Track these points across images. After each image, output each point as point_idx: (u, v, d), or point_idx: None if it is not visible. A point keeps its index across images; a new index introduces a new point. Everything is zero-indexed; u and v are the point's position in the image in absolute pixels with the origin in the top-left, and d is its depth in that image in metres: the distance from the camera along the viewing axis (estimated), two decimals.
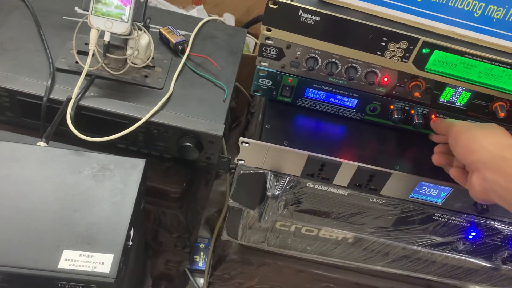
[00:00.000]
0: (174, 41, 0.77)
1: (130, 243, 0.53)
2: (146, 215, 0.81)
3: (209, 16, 1.13)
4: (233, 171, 0.65)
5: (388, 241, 0.66)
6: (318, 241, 0.69)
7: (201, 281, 1.05)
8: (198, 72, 0.75)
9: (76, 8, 0.80)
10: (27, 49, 0.72)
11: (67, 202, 0.52)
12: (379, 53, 0.52)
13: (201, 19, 0.85)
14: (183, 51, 0.77)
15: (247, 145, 0.55)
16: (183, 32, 0.80)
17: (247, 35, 0.91)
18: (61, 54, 0.72)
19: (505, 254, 0.64)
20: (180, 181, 0.76)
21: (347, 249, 0.70)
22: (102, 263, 0.48)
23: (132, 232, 0.53)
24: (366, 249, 0.69)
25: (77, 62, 0.69)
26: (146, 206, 0.78)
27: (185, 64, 0.76)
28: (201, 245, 1.11)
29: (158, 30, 0.78)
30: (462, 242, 0.63)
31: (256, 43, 1.14)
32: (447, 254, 0.66)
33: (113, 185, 0.55)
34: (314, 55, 0.54)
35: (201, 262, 1.10)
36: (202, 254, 1.11)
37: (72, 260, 0.47)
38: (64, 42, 0.74)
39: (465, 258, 0.67)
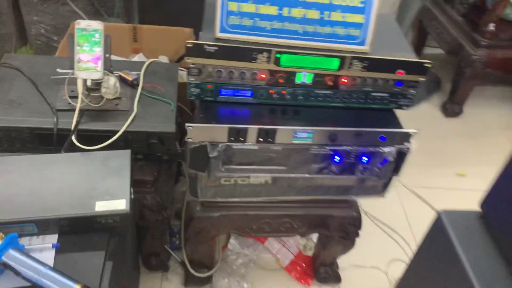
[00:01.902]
0: (131, 79, 1.14)
1: (133, 196, 0.88)
2: (133, 203, 1.15)
3: (147, 59, 1.51)
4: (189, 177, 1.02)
5: (291, 175, 1.05)
6: (251, 186, 1.07)
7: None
8: (151, 96, 1.13)
9: (58, 69, 1.15)
10: (33, 101, 1.06)
11: (91, 179, 0.87)
12: (253, 61, 0.92)
13: (144, 62, 1.22)
14: (137, 84, 1.14)
15: (191, 128, 0.93)
16: (135, 72, 1.17)
17: (179, 68, 1.30)
18: (57, 100, 1.07)
19: (361, 167, 1.05)
20: (152, 172, 1.12)
21: (270, 188, 1.08)
22: (120, 204, 0.83)
23: (132, 191, 0.89)
24: (280, 185, 1.08)
25: (69, 103, 1.05)
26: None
27: (141, 92, 1.13)
28: (175, 229, 1.45)
29: (118, 74, 1.15)
30: (333, 165, 1.04)
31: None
32: (328, 176, 1.06)
33: (114, 166, 0.90)
34: (219, 69, 0.94)
35: (177, 241, 1.44)
36: (177, 236, 1.45)
37: (103, 206, 0.82)
38: (56, 92, 1.09)
39: (340, 177, 1.07)
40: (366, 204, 1.55)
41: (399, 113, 1.07)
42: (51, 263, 0.78)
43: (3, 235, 0.74)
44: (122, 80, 1.15)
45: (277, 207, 1.17)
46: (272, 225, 1.19)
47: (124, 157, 0.93)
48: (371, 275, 1.43)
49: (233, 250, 1.41)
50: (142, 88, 1.14)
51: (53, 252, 0.79)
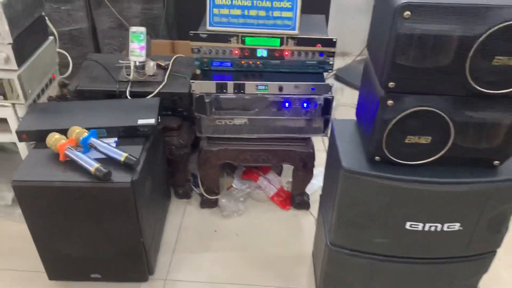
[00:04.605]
0: (163, 64, 1.82)
1: (159, 120, 1.53)
2: (164, 144, 1.80)
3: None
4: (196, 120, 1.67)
5: (259, 117, 1.66)
6: (235, 126, 1.69)
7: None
8: (175, 73, 1.80)
9: (120, 61, 1.85)
10: (104, 77, 1.76)
11: (137, 109, 1.53)
12: (229, 42, 1.57)
13: (172, 56, 1.91)
14: (168, 68, 1.82)
15: (194, 83, 1.58)
16: (167, 62, 1.86)
17: None
18: (119, 76, 1.76)
19: (303, 110, 1.64)
20: (177, 122, 1.78)
21: (248, 127, 1.69)
22: (151, 121, 1.48)
23: (158, 118, 1.54)
24: (254, 126, 1.69)
25: (126, 77, 1.74)
26: (165, 138, 1.78)
27: (169, 72, 1.80)
28: (196, 174, 2.07)
29: (156, 62, 1.83)
30: (285, 109, 1.63)
31: None
32: (283, 117, 1.66)
33: (150, 104, 1.56)
34: (210, 48, 1.59)
35: (197, 181, 2.06)
36: (197, 178, 2.07)
37: (141, 121, 1.48)
38: (118, 72, 1.79)
39: (291, 118, 1.66)
40: None
41: None
42: None
43: (88, 131, 1.42)
44: (158, 66, 1.84)
45: (255, 144, 1.77)
46: (253, 156, 1.78)
47: (155, 101, 1.60)
48: None
49: (235, 188, 2.01)
50: (170, 70, 1.82)
51: (114, 144, 1.45)
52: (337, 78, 2.95)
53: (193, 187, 2.03)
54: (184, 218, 1.91)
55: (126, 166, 1.36)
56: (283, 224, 1.89)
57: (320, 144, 2.24)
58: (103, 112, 1.54)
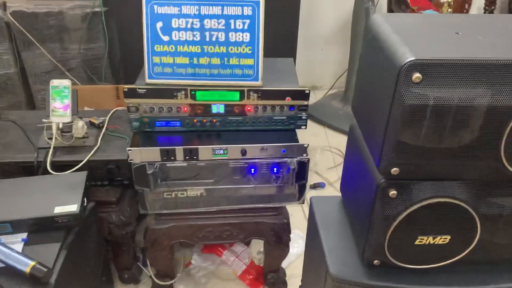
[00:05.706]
0: (97, 122, 1.46)
1: (85, 204, 1.17)
2: (101, 222, 1.43)
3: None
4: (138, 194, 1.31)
5: (218, 186, 1.32)
6: (189, 199, 1.34)
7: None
8: (112, 134, 1.44)
9: (43, 119, 1.49)
10: (21, 143, 1.39)
11: (55, 192, 1.16)
12: (175, 98, 1.23)
13: (110, 110, 1.55)
14: (103, 126, 1.46)
15: (131, 151, 1.23)
16: (102, 118, 1.50)
17: None
18: (39, 141, 1.39)
19: (273, 176, 1.31)
20: (115, 194, 1.41)
21: (205, 199, 1.35)
22: (73, 208, 1.11)
23: (84, 201, 1.17)
24: (213, 197, 1.34)
25: (48, 143, 1.37)
26: (101, 215, 1.41)
27: (105, 132, 1.45)
28: None
29: (88, 119, 1.48)
30: (250, 176, 1.30)
31: None
32: (249, 186, 1.32)
33: (73, 182, 1.20)
34: (151, 106, 1.25)
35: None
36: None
37: (59, 209, 1.11)
38: (39, 135, 1.42)
39: (259, 185, 1.33)
40: None
41: None
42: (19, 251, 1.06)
43: None
44: (91, 123, 1.48)
45: (217, 217, 1.42)
46: (214, 233, 1.43)
47: (80, 176, 1.23)
48: None
49: (195, 264, 1.65)
50: (106, 129, 1.46)
51: (22, 244, 1.08)
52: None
53: (142, 267, 1.65)
54: None
55: (34, 279, 0.98)
56: None
57: None
58: (9, 198, 1.16)
